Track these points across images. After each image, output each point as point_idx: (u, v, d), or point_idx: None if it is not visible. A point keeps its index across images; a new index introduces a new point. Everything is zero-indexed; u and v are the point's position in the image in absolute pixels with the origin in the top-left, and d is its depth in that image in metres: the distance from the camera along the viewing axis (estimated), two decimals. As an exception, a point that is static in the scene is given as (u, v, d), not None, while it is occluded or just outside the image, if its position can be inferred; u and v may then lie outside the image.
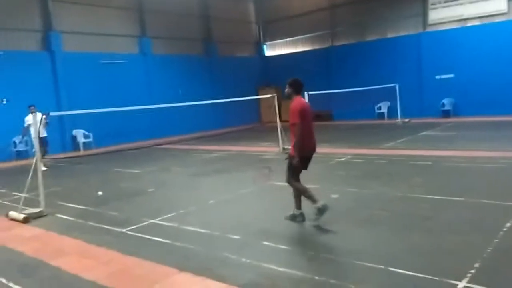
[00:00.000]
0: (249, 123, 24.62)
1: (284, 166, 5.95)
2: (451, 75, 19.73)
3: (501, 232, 4.91)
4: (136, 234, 5.94)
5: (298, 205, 5.89)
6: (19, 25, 16.29)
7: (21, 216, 6.94)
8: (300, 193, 5.82)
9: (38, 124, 7.33)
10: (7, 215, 7.23)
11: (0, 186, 10.37)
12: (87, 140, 17.44)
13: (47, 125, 12.05)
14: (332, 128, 19.16)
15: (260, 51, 27.25)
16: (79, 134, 17.29)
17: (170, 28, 21.58)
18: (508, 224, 5.14)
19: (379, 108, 21.77)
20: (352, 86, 18.73)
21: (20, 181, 11.06)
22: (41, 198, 7.31)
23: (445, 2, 19.64)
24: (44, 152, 11.78)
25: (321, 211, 5.61)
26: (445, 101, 19.82)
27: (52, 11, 17.00)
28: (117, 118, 16.72)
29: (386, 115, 21.32)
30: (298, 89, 5.84)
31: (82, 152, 16.60)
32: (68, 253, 5.40)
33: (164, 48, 21.34)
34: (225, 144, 16.03)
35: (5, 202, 8.57)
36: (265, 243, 5.19)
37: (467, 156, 9.91)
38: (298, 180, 5.82)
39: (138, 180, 10.29)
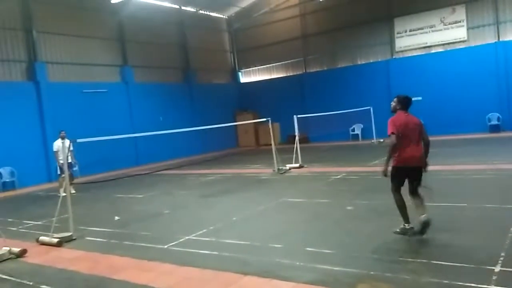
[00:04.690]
0: (227, 148, 25.22)
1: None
2: (419, 98, 21.27)
3: (511, 229, 5.73)
4: (180, 249, 6.32)
5: (406, 219, 5.95)
6: (4, 56, 16.26)
7: (55, 240, 7.12)
8: (398, 205, 5.97)
9: (67, 149, 7.59)
10: (37, 240, 7.36)
11: (2, 216, 10.29)
12: (73, 169, 17.31)
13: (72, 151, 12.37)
14: (313, 149, 20.03)
15: (236, 78, 28.17)
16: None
17: (150, 57, 22.09)
18: (515, 221, 6.00)
19: (353, 130, 22.99)
20: (326, 110, 19.83)
21: (22, 210, 11.11)
22: (70, 222, 7.51)
23: (410, 31, 21.44)
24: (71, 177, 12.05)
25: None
26: (414, 122, 21.22)
27: (37, 42, 17.11)
28: (100, 146, 16.79)
29: (360, 136, 22.55)
30: (403, 105, 6.04)
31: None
32: (124, 268, 5.69)
33: (145, 76, 21.77)
34: (216, 168, 16.45)
35: (22, 230, 8.66)
36: (309, 249, 5.74)
37: (454, 169, 10.87)
38: (398, 192, 5.96)
39: (148, 203, 10.55)
